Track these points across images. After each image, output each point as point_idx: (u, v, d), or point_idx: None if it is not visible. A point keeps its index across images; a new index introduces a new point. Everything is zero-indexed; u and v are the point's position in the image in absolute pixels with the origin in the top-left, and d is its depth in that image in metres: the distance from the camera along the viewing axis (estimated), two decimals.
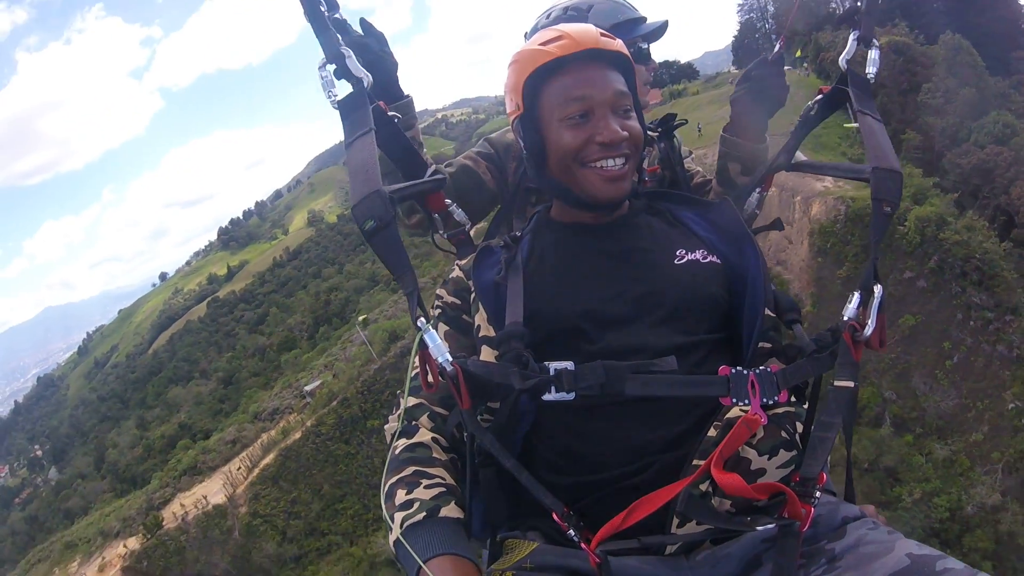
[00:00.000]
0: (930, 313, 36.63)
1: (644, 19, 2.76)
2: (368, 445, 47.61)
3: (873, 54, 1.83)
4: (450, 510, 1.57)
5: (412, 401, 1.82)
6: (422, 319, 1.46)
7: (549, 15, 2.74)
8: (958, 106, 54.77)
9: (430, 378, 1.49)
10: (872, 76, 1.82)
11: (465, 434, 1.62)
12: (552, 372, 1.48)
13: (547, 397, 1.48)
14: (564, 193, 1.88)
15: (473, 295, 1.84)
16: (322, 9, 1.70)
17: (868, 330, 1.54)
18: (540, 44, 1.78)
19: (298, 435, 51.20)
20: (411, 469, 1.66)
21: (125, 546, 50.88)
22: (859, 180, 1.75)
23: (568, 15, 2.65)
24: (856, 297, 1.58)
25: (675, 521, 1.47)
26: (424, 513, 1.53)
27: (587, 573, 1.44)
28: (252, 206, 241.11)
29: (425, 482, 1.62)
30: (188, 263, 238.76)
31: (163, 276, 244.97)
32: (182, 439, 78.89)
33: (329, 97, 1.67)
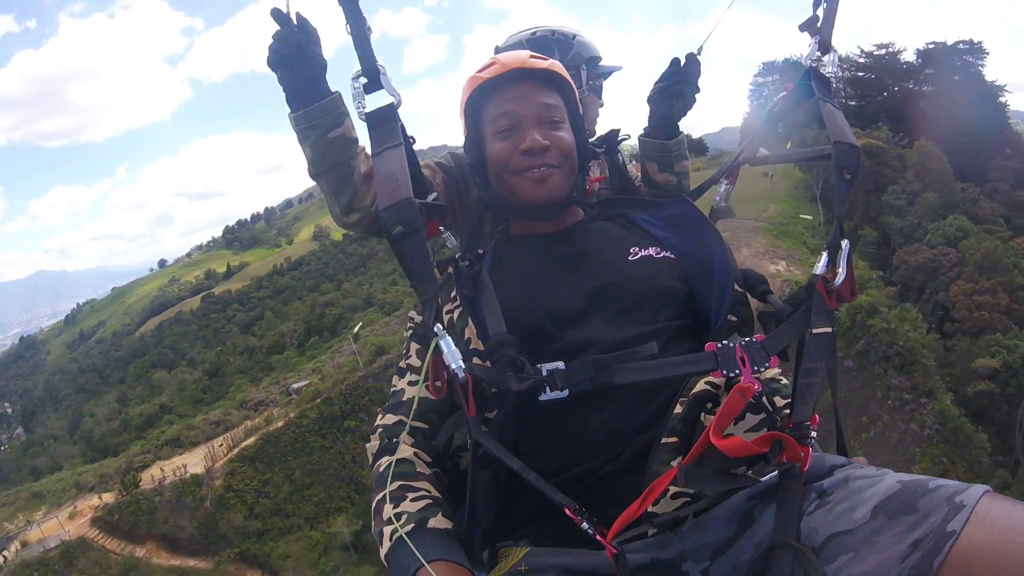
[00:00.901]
0: (853, 390, 40.13)
1: (600, 59, 3.01)
2: (342, 442, 50.54)
3: (832, 56, 1.92)
4: (438, 521, 1.58)
5: (391, 419, 1.84)
6: (439, 325, 1.54)
7: (535, 33, 2.93)
8: (919, 208, 59.40)
9: (439, 383, 1.57)
10: (832, 76, 1.93)
11: (469, 442, 1.59)
12: (545, 373, 1.50)
13: (543, 397, 1.50)
14: (504, 204, 2.03)
15: (460, 311, 1.85)
16: (365, 22, 1.79)
17: (839, 279, 1.62)
18: (477, 72, 2.00)
19: (280, 424, 53.80)
20: (396, 484, 1.66)
21: (100, 498, 53.85)
22: (821, 157, 1.95)
23: (556, 37, 2.90)
24: (824, 256, 1.65)
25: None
26: (413, 524, 1.55)
27: (580, 569, 1.48)
28: (261, 211, 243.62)
29: (411, 495, 1.64)
30: (189, 255, 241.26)
31: (162, 263, 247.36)
32: (161, 419, 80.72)
33: (358, 107, 1.83)
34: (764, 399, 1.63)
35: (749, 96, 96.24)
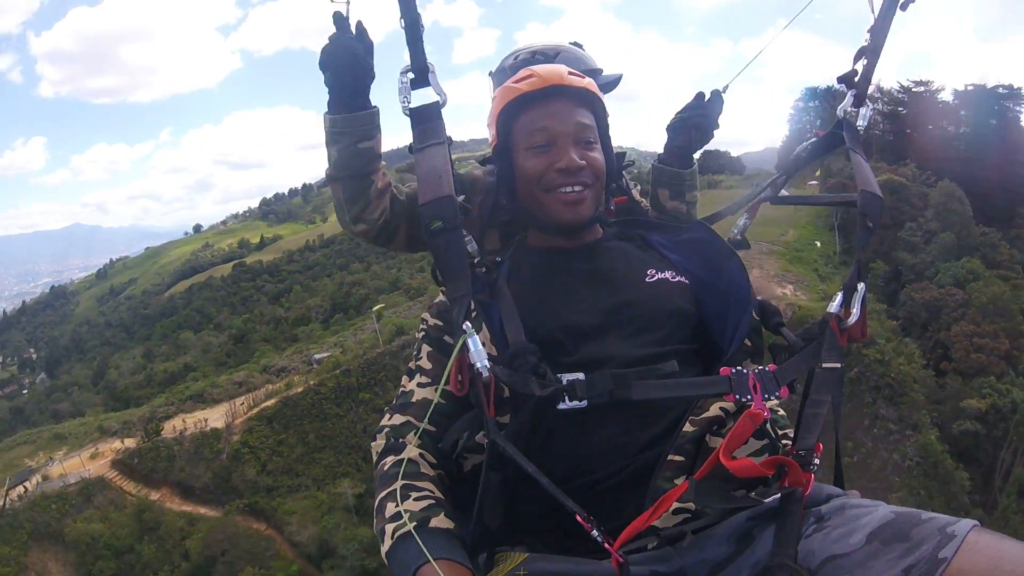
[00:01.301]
0: (841, 415, 41.46)
1: (601, 71, 2.98)
2: (355, 412, 52.49)
3: (865, 111, 1.99)
4: (440, 521, 1.59)
5: (399, 419, 1.85)
6: (467, 323, 1.57)
7: (516, 57, 2.91)
8: (934, 247, 59.94)
9: (460, 378, 1.61)
10: (862, 129, 2.02)
11: (486, 443, 1.59)
12: (565, 383, 1.54)
13: (562, 406, 1.53)
14: (531, 218, 2.03)
15: (474, 315, 1.78)
16: (420, 18, 1.82)
17: (852, 319, 1.70)
18: (513, 82, 1.97)
19: (300, 389, 55.63)
20: (400, 483, 1.67)
21: (122, 443, 56.08)
22: (845, 203, 2.01)
23: (536, 59, 2.81)
24: (839, 296, 1.73)
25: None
26: (415, 523, 1.56)
27: None
28: (299, 186, 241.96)
29: (414, 495, 1.65)
30: (224, 222, 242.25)
31: (197, 228, 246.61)
32: (185, 377, 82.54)
33: (403, 102, 1.85)
34: (768, 426, 1.70)
35: (788, 120, 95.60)
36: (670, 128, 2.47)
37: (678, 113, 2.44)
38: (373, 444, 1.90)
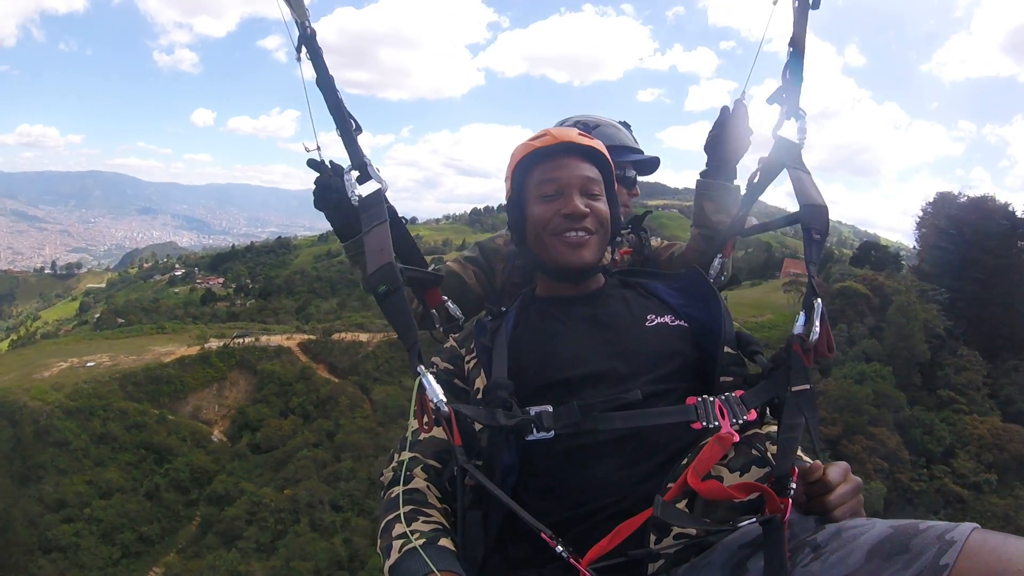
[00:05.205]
0: None
1: (640, 151, 3.35)
2: None
3: (800, 123, 2.10)
4: (447, 542, 1.76)
5: (407, 455, 2.04)
6: (421, 366, 1.71)
7: (564, 122, 3.31)
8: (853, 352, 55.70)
9: (426, 418, 1.73)
10: (801, 142, 2.11)
11: (455, 469, 1.80)
12: (533, 414, 1.74)
13: (530, 437, 1.73)
14: (538, 262, 2.29)
15: (475, 362, 2.11)
16: (352, 127, 2.16)
17: (814, 337, 1.79)
18: (529, 140, 2.27)
19: None
20: (408, 507, 1.84)
21: (306, 336, 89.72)
22: (795, 221, 2.01)
23: (578, 126, 3.14)
24: (801, 316, 1.83)
25: (652, 537, 1.66)
26: (424, 540, 1.72)
27: None
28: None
29: (422, 519, 1.82)
30: (437, 220, 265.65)
31: (413, 219, 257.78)
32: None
33: (352, 196, 2.11)
34: (769, 454, 1.81)
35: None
36: (706, 147, 2.71)
37: (712, 131, 2.68)
38: (381, 478, 2.09)
